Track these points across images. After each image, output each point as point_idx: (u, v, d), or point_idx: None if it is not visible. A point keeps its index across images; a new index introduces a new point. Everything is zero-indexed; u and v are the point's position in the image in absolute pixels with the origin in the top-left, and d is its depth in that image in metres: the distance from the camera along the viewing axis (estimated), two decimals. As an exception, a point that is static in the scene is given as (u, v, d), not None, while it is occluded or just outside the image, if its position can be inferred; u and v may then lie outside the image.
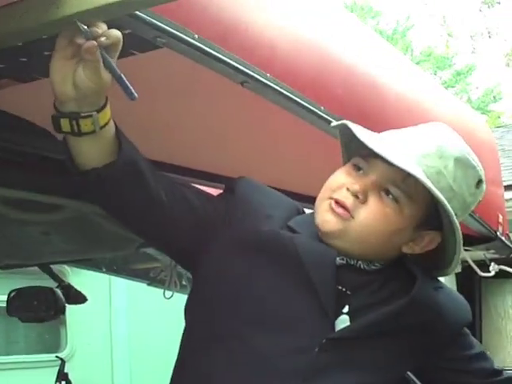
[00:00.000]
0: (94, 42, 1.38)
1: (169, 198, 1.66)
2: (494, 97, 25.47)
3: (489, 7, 22.45)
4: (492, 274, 3.63)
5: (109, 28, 1.46)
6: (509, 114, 24.64)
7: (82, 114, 1.49)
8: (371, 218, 1.67)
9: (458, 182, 1.68)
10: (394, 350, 1.73)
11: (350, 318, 1.68)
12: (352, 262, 1.72)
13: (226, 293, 1.69)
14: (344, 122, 1.72)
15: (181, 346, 1.77)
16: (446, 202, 1.62)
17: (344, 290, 1.69)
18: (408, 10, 24.90)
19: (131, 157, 1.60)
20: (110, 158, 1.56)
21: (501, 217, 3.33)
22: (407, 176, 1.64)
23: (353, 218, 1.67)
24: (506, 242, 3.39)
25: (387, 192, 1.68)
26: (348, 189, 1.68)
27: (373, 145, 1.64)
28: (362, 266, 1.73)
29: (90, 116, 1.50)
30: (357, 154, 1.76)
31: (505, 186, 3.90)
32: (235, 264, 1.70)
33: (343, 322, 1.67)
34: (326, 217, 1.69)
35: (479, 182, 1.74)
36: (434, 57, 25.88)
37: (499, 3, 22.32)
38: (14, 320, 4.08)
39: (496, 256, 3.68)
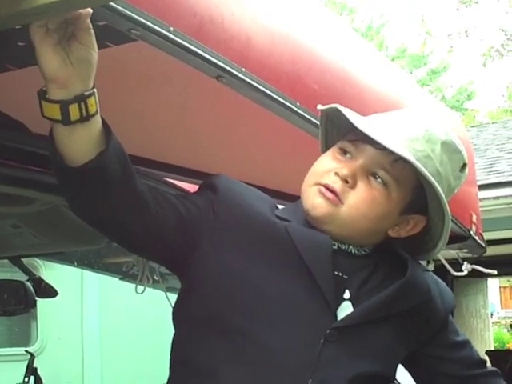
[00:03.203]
0: (87, 9, 1.37)
1: (154, 202, 1.64)
2: (469, 95, 25.64)
3: (466, 7, 22.56)
4: (465, 273, 3.65)
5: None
6: (484, 112, 24.81)
7: (86, 93, 1.46)
8: (361, 202, 1.67)
9: (444, 165, 1.70)
10: (392, 335, 1.72)
11: (352, 303, 1.67)
12: (343, 247, 1.72)
13: (223, 288, 1.67)
14: (335, 105, 1.72)
15: (177, 345, 1.74)
16: (437, 186, 1.63)
17: (341, 274, 1.69)
18: (385, 8, 25.01)
19: (119, 144, 1.57)
20: (100, 147, 1.52)
21: (474, 216, 3.34)
22: (396, 160, 1.66)
23: (342, 203, 1.67)
24: (479, 241, 3.40)
25: (375, 176, 1.69)
26: (337, 173, 1.68)
27: (365, 129, 1.64)
28: (352, 251, 1.73)
29: (93, 94, 1.48)
30: (336, 140, 1.77)
31: (479, 186, 3.91)
32: (230, 258, 1.68)
33: (346, 308, 1.67)
34: (315, 201, 1.69)
35: (463, 165, 1.76)
36: (410, 55, 26.00)
37: (477, 3, 22.46)
38: (-16, 315, 4.04)
39: (469, 255, 3.70)
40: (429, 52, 25.96)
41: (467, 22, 22.86)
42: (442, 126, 1.74)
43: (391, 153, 1.64)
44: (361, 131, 1.65)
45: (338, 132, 1.80)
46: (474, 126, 12.63)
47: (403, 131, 1.68)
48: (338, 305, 1.66)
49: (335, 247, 1.71)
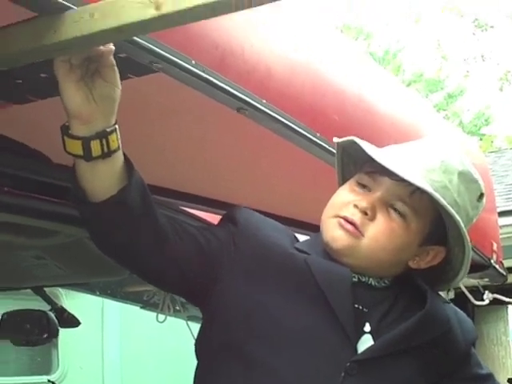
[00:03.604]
0: (110, 46, 1.39)
1: (173, 233, 1.66)
2: (486, 120, 25.55)
3: (482, 31, 22.56)
4: (486, 302, 3.63)
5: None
6: (502, 137, 24.71)
7: (108, 130, 1.48)
8: (380, 234, 1.67)
9: (461, 196, 1.70)
10: (412, 368, 1.71)
11: (372, 336, 1.66)
12: (364, 279, 1.72)
13: (241, 318, 1.67)
14: (352, 138, 1.73)
15: (199, 377, 1.75)
16: (456, 216, 1.64)
17: (361, 308, 1.68)
18: (401, 33, 25.02)
19: (141, 179, 1.59)
20: (122, 183, 1.54)
21: (495, 244, 3.33)
22: (414, 191, 1.66)
23: (362, 235, 1.67)
24: (500, 270, 3.39)
25: (394, 208, 1.69)
26: (356, 205, 1.69)
27: (382, 160, 1.65)
28: (372, 283, 1.73)
29: (115, 130, 1.50)
30: (353, 173, 1.78)
31: (498, 213, 3.89)
32: (248, 289, 1.68)
33: (366, 341, 1.66)
34: (335, 233, 1.69)
35: (481, 195, 1.76)
36: (426, 80, 25.99)
37: (492, 27, 22.44)
38: (5, 341, 4.04)
39: (489, 283, 3.68)
40: (445, 76, 25.94)
41: (483, 47, 22.83)
42: (458, 155, 1.75)
43: (409, 184, 1.65)
44: (378, 163, 1.66)
45: (354, 164, 1.81)
46: (492, 152, 12.58)
47: (420, 162, 1.69)
48: (359, 338, 1.65)
49: (355, 279, 1.71)
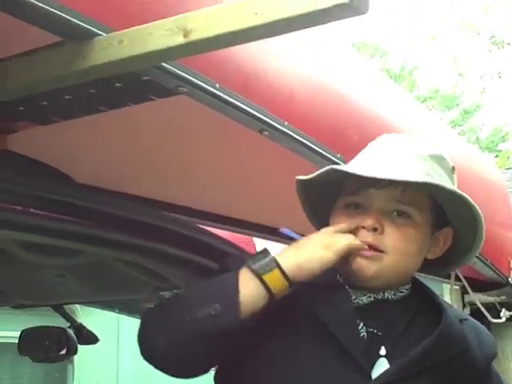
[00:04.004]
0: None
1: None
2: (503, 136, 25.50)
3: (498, 48, 22.54)
4: (503, 320, 3.62)
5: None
6: (517, 153, 24.63)
7: None
8: (398, 242, 1.66)
9: (442, 175, 1.71)
10: None
11: (387, 360, 1.64)
12: (379, 297, 1.71)
13: (250, 364, 1.66)
14: (331, 166, 1.68)
15: None
16: (459, 191, 1.64)
17: (375, 331, 1.67)
18: (417, 49, 25.01)
19: None
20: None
21: (512, 262, 3.33)
22: (404, 189, 1.66)
23: (384, 252, 1.65)
24: (517, 287, 3.39)
25: (395, 212, 1.67)
26: (363, 227, 1.66)
27: (366, 172, 1.63)
28: (389, 297, 1.71)
29: None
30: (324, 203, 1.76)
31: (517, 229, 3.89)
32: (256, 340, 1.66)
33: (381, 365, 1.64)
34: (357, 263, 1.66)
35: (452, 168, 1.77)
36: (442, 96, 25.97)
37: (509, 44, 22.42)
38: (20, 356, 4.04)
39: (506, 300, 3.68)
40: (461, 92, 25.92)
41: (500, 64, 22.80)
42: (421, 142, 1.75)
43: (397, 184, 1.64)
44: (359, 178, 1.64)
45: (328, 189, 1.76)
46: (509, 169, 12.55)
47: (396, 160, 1.68)
48: (374, 362, 1.64)
49: (371, 299, 1.70)
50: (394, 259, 1.66)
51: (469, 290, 3.23)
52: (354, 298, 1.70)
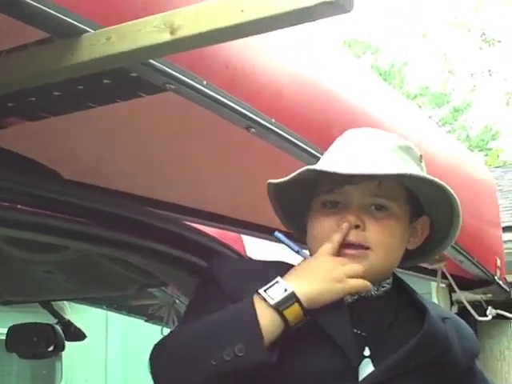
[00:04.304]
0: None
1: None
2: (493, 135, 25.56)
3: (489, 45, 22.58)
4: (489, 318, 3.64)
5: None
6: (508, 152, 24.69)
7: None
8: (381, 237, 1.66)
9: (412, 164, 1.72)
10: None
11: (372, 361, 1.65)
12: (362, 294, 1.70)
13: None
14: (307, 167, 1.68)
15: None
16: (437, 180, 1.65)
17: (359, 332, 1.67)
18: (408, 47, 25.05)
19: None
20: None
21: (499, 260, 3.34)
22: (380, 182, 1.67)
23: (369, 248, 1.66)
24: (504, 286, 3.40)
25: (374, 207, 1.68)
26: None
27: (340, 169, 1.63)
28: (372, 294, 1.71)
29: None
30: (296, 205, 1.77)
31: (503, 228, 3.91)
32: None
33: (366, 366, 1.64)
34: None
35: (420, 156, 1.78)
36: (432, 93, 26.01)
37: (500, 42, 22.46)
38: (8, 353, 4.04)
39: (492, 298, 3.70)
40: (451, 90, 25.98)
41: (490, 61, 22.85)
42: (387, 134, 1.77)
43: (372, 179, 1.66)
44: (335, 174, 1.64)
45: (303, 189, 1.76)
46: (498, 167, 12.59)
47: (368, 154, 1.69)
48: (359, 363, 1.64)
49: (355, 297, 1.70)
50: (380, 254, 1.67)
51: (455, 287, 3.25)
52: None
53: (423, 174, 1.69)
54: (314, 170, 1.67)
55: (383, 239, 1.67)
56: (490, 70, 22.79)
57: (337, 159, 1.70)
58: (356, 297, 1.70)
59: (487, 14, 22.43)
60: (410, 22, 24.66)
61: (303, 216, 1.78)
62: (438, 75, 24.61)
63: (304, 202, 1.77)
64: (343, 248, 1.66)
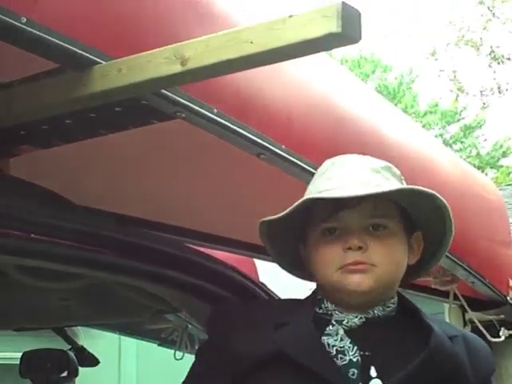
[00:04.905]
0: None
1: None
2: (504, 152, 25.54)
3: (498, 63, 22.60)
4: (502, 339, 3.62)
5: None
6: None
7: None
8: (384, 255, 1.70)
9: (396, 183, 1.76)
10: None
11: (381, 380, 1.65)
12: (370, 315, 1.72)
13: None
14: (307, 197, 1.71)
15: None
16: (431, 191, 1.70)
17: (362, 353, 1.68)
18: (417, 65, 25.10)
19: None
20: None
21: (511, 281, 3.33)
22: (375, 203, 1.70)
23: (374, 265, 1.69)
24: (517, 306, 3.39)
25: (373, 228, 1.71)
26: (349, 248, 1.69)
27: (336, 194, 1.67)
28: (379, 314, 1.73)
29: None
30: (286, 241, 1.81)
31: (516, 246, 3.88)
32: None
33: None
34: (354, 280, 1.68)
35: (400, 175, 1.82)
36: (442, 111, 26.03)
37: (509, 59, 22.48)
38: (22, 379, 4.04)
39: (505, 319, 3.68)
40: (462, 108, 26.00)
41: (500, 79, 22.88)
42: (368, 157, 1.80)
43: (367, 200, 1.68)
44: (331, 202, 1.68)
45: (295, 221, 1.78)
46: (508, 185, 12.57)
47: (359, 177, 1.72)
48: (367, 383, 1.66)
49: (363, 320, 1.72)
50: (385, 271, 1.70)
51: (467, 308, 3.24)
52: (346, 321, 1.72)
53: (421, 187, 1.72)
54: (318, 199, 1.70)
55: (387, 257, 1.70)
56: (499, 88, 22.79)
57: (329, 186, 1.72)
58: (363, 319, 1.72)
59: (496, 32, 22.47)
60: (419, 39, 24.70)
61: (294, 248, 1.82)
62: (447, 93, 24.62)
63: (294, 234, 1.81)
64: (351, 265, 1.69)
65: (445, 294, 3.18)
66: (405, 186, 1.76)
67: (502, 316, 3.56)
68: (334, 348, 1.68)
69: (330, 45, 1.25)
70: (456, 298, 3.18)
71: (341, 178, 1.73)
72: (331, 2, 1.22)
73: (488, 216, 3.31)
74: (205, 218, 2.47)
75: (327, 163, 1.79)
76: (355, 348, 1.68)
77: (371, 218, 1.71)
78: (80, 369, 3.77)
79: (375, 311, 1.73)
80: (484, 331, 3.45)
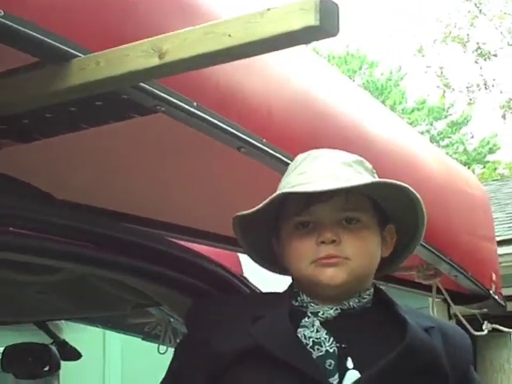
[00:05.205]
0: None
1: None
2: (491, 148, 25.64)
3: (485, 60, 22.65)
4: (485, 332, 3.64)
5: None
6: (504, 164, 24.74)
7: None
8: (358, 248, 1.71)
9: (368, 176, 1.78)
10: None
11: (358, 371, 1.67)
12: (345, 307, 1.74)
13: None
14: (281, 191, 1.73)
15: None
16: (403, 184, 1.72)
17: (339, 345, 1.69)
18: (404, 61, 25.17)
19: None
20: None
21: (494, 275, 3.34)
22: (347, 196, 1.71)
23: (348, 258, 1.70)
24: (499, 300, 3.40)
25: (346, 221, 1.73)
26: (322, 242, 1.70)
27: (308, 188, 1.68)
28: (354, 306, 1.75)
29: None
30: (258, 236, 1.82)
31: (501, 241, 3.91)
32: None
33: (352, 377, 1.66)
34: (328, 273, 1.70)
35: (372, 168, 1.83)
36: (429, 107, 26.10)
37: (496, 56, 22.54)
38: (4, 373, 4.03)
39: (488, 312, 3.69)
40: (449, 104, 26.07)
41: (486, 75, 22.93)
42: (339, 152, 1.81)
43: (339, 194, 1.70)
44: (304, 195, 1.69)
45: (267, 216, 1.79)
46: (495, 180, 12.64)
47: (331, 171, 1.73)
48: (343, 376, 1.66)
49: (338, 311, 1.73)
50: (359, 264, 1.72)
51: (450, 303, 3.25)
52: (321, 313, 1.73)
53: (392, 180, 1.73)
54: (292, 193, 1.71)
55: (360, 250, 1.72)
56: (485, 84, 22.85)
57: (302, 180, 1.74)
58: (339, 310, 1.73)
59: (483, 29, 22.54)
60: (406, 36, 24.75)
61: (268, 242, 1.83)
62: (434, 89, 24.67)
63: (267, 228, 1.82)
64: (325, 259, 1.70)
65: (428, 288, 3.19)
66: (376, 179, 1.78)
67: (485, 310, 3.57)
68: (311, 339, 1.69)
69: (308, 38, 1.25)
70: (439, 291, 3.19)
71: (313, 172, 1.74)
72: (309, -4, 1.23)
73: (471, 211, 3.32)
74: (186, 212, 2.46)
75: (300, 157, 1.80)
76: (331, 339, 1.69)
77: (344, 211, 1.73)
78: (65, 363, 3.77)
79: (350, 302, 1.75)
80: (467, 325, 3.47)
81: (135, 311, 2.93)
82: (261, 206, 1.72)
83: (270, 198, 1.71)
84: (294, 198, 1.72)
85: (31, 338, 3.86)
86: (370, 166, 1.82)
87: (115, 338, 6.13)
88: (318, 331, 1.70)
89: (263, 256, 1.88)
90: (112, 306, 2.64)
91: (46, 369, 3.62)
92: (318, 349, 1.68)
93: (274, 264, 1.86)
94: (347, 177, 1.71)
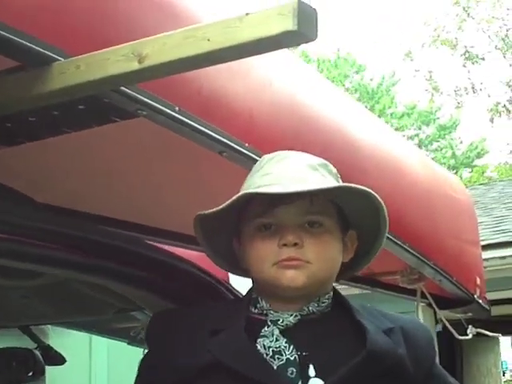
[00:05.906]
0: None
1: None
2: (479, 152, 25.74)
3: (473, 63, 22.74)
4: (470, 337, 3.65)
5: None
6: (492, 167, 24.84)
7: None
8: (319, 252, 1.71)
9: (332, 180, 1.78)
10: None
11: (320, 377, 1.65)
12: (305, 312, 1.73)
13: None
14: (244, 192, 1.72)
15: None
16: (367, 189, 1.71)
17: (303, 353, 1.68)
18: (393, 65, 25.22)
19: None
20: None
21: (478, 279, 3.36)
22: (311, 200, 1.71)
23: (309, 262, 1.70)
24: (484, 305, 3.41)
25: (308, 224, 1.72)
26: (284, 244, 1.69)
27: (272, 190, 1.68)
28: (314, 311, 1.74)
29: None
30: (219, 236, 1.81)
31: (487, 245, 3.92)
32: None
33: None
34: (288, 275, 1.69)
35: (337, 172, 1.83)
36: (418, 112, 26.19)
37: (483, 59, 22.63)
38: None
39: (472, 316, 3.71)
40: (437, 108, 26.16)
41: (474, 79, 23.02)
42: (304, 154, 1.81)
43: (304, 197, 1.69)
44: (267, 197, 1.68)
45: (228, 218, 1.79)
46: (481, 184, 12.67)
47: (296, 174, 1.73)
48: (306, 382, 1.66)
49: (298, 317, 1.72)
50: (320, 268, 1.71)
51: (435, 307, 3.26)
52: (281, 321, 1.72)
53: (358, 186, 1.72)
54: (256, 194, 1.70)
55: (321, 254, 1.72)
56: (473, 87, 22.93)
57: (267, 181, 1.73)
58: (299, 316, 1.73)
59: (471, 32, 22.63)
60: (394, 40, 24.83)
61: (228, 243, 1.83)
62: (423, 93, 24.74)
63: (228, 229, 1.82)
64: (286, 261, 1.69)
65: (413, 293, 3.20)
66: (343, 183, 1.77)
67: (470, 314, 3.59)
68: (270, 349, 1.68)
69: (287, 43, 1.26)
70: (424, 296, 3.20)
71: (279, 173, 1.73)
72: (287, 1, 1.23)
73: (456, 215, 3.33)
74: (171, 216, 2.46)
75: (265, 159, 1.80)
76: (291, 347, 1.68)
77: (307, 214, 1.72)
78: (51, 367, 3.76)
79: (310, 307, 1.74)
80: (452, 329, 3.48)
81: (120, 316, 2.92)
82: (224, 205, 1.72)
83: (234, 198, 1.70)
84: (258, 199, 1.71)
85: (15, 342, 3.85)
86: (334, 169, 1.82)
87: (101, 343, 6.12)
88: (277, 340, 1.69)
89: (224, 257, 1.87)
90: (95, 311, 2.63)
91: (30, 374, 3.60)
92: (278, 358, 1.67)
93: (235, 266, 1.86)
94: (313, 180, 1.71)
